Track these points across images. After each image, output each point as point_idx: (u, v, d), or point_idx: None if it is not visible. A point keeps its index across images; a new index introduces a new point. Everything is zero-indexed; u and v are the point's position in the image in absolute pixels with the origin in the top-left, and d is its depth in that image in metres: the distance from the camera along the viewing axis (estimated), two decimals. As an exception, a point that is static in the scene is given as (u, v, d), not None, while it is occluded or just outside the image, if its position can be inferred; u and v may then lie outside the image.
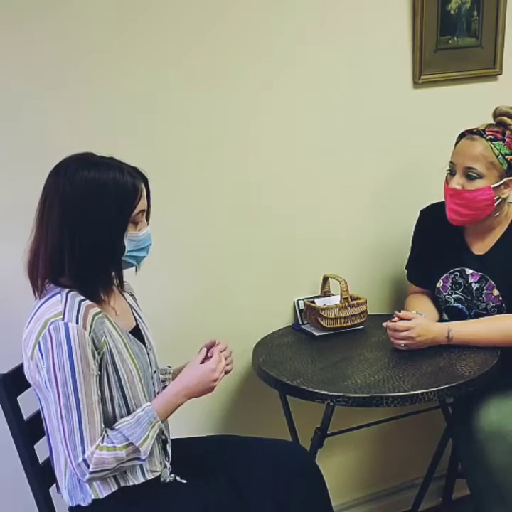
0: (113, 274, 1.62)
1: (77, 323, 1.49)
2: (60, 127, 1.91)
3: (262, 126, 2.15)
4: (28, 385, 1.67)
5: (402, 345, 1.99)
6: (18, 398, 1.68)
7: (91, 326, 1.51)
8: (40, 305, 1.56)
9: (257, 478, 1.71)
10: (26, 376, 1.60)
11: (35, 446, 1.69)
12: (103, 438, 1.53)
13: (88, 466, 1.50)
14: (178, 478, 1.70)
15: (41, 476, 1.69)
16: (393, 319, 2.01)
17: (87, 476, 1.51)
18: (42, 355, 1.49)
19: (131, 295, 1.80)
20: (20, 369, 1.69)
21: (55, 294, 1.55)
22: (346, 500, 2.51)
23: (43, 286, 1.58)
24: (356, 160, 2.30)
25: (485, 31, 2.36)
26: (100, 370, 1.54)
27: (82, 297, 1.56)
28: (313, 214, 2.28)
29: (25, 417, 1.69)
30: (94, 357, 1.51)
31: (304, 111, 2.20)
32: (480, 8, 2.33)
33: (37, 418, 1.69)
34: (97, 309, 1.56)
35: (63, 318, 1.49)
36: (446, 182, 2.06)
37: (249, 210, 2.19)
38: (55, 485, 1.71)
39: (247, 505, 1.67)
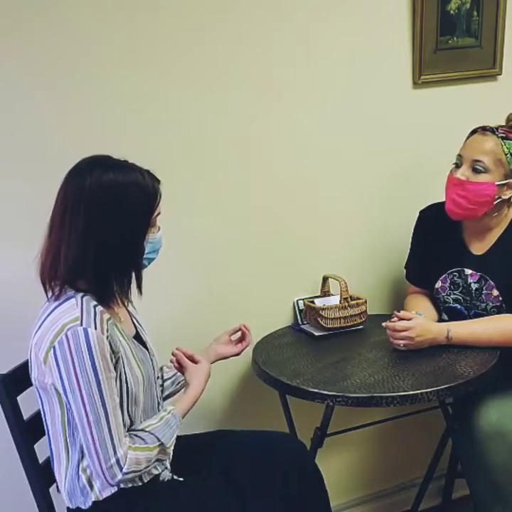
0: (132, 277, 1.62)
1: (95, 328, 1.49)
2: (59, 128, 1.91)
3: (262, 126, 2.15)
4: (28, 385, 1.67)
5: (402, 345, 2.00)
6: (18, 398, 1.67)
7: (107, 331, 1.52)
8: (53, 309, 1.55)
9: (253, 472, 1.71)
10: (32, 379, 1.59)
11: (35, 446, 1.69)
12: (130, 439, 1.55)
13: (121, 468, 1.51)
14: (174, 477, 1.71)
15: (41, 476, 1.69)
16: (393, 319, 2.01)
17: (119, 477, 1.52)
18: (57, 360, 1.49)
19: (130, 301, 1.78)
20: (20, 369, 1.69)
21: (69, 298, 1.55)
22: (346, 500, 2.51)
23: (63, 289, 1.56)
24: (356, 160, 2.30)
25: (485, 31, 2.36)
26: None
27: (95, 302, 1.56)
28: (313, 214, 2.28)
29: (25, 417, 1.69)
30: (111, 360, 1.52)
31: (304, 111, 2.20)
32: (480, 8, 2.33)
33: (37, 418, 1.69)
34: (107, 315, 1.56)
35: (81, 324, 1.49)
36: (451, 174, 2.06)
37: (249, 210, 2.19)
38: (55, 485, 1.71)
39: (244, 501, 1.67)
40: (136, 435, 1.57)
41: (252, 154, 2.16)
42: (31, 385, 1.65)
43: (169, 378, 1.90)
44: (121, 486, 1.58)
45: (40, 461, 1.71)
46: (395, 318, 2.01)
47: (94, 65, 1.92)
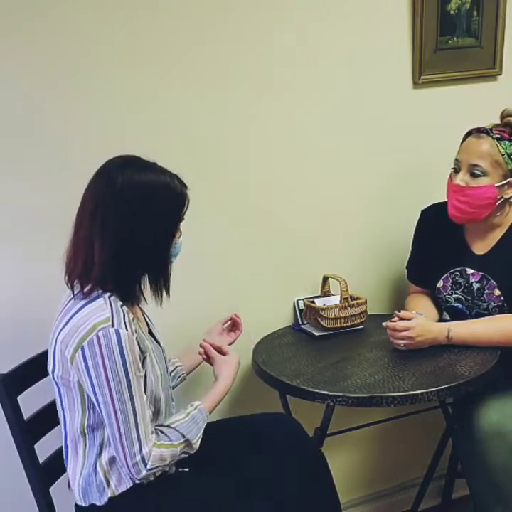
0: (161, 279, 1.62)
1: (126, 329, 1.50)
2: (59, 129, 1.91)
3: (262, 126, 2.15)
4: (28, 385, 1.67)
5: (402, 345, 2.00)
6: (18, 398, 1.67)
7: (135, 331, 1.53)
8: (82, 307, 1.54)
9: (255, 458, 1.72)
10: (55, 375, 1.59)
11: (35, 446, 1.69)
12: (155, 436, 1.56)
13: (145, 464, 1.53)
14: (179, 469, 1.71)
15: (41, 476, 1.69)
16: (393, 319, 2.01)
17: (144, 473, 1.54)
18: (86, 359, 1.49)
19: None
20: (20, 369, 1.70)
21: (96, 297, 1.54)
22: (346, 500, 2.50)
23: (95, 288, 1.55)
24: (356, 160, 2.30)
25: (485, 31, 2.36)
26: None
27: (121, 302, 1.56)
28: (314, 214, 2.28)
29: (25, 417, 1.69)
30: (140, 359, 1.54)
31: (304, 111, 2.20)
32: (480, 8, 2.33)
33: (37, 418, 1.70)
34: (131, 315, 1.57)
35: (113, 325, 1.49)
36: (450, 179, 2.06)
37: (248, 210, 2.19)
38: (55, 485, 1.72)
39: (249, 488, 1.67)
40: (161, 431, 1.59)
41: (252, 154, 2.16)
42: (31, 384, 1.65)
43: (170, 373, 1.90)
44: (144, 481, 1.59)
45: (40, 461, 1.71)
46: (396, 318, 2.01)
47: (95, 65, 1.91)
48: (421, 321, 2.00)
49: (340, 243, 2.34)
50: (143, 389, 1.54)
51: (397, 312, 2.02)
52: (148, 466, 1.53)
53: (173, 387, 1.90)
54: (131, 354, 1.50)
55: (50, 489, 1.72)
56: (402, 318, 2.00)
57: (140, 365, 1.53)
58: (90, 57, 1.91)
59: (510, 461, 1.93)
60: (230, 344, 1.99)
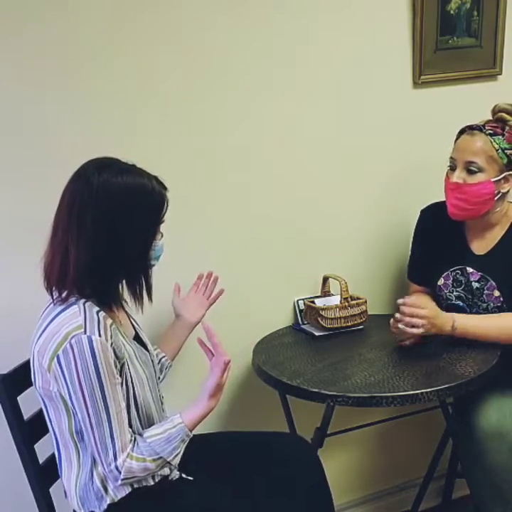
0: (142, 282, 1.61)
1: (99, 335, 1.48)
2: (62, 131, 1.91)
3: (262, 126, 2.15)
4: (28, 385, 1.67)
5: (420, 325, 1.92)
6: (18, 398, 1.67)
7: (111, 337, 1.51)
8: (56, 315, 1.53)
9: (261, 472, 1.72)
10: (37, 386, 1.58)
11: (35, 446, 1.69)
12: (133, 445, 1.54)
13: (119, 473, 1.53)
14: (183, 475, 1.70)
15: (41, 476, 1.69)
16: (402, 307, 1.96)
17: (119, 482, 1.54)
18: (62, 368, 1.48)
19: (125, 301, 1.76)
20: (20, 369, 1.70)
21: (71, 304, 1.53)
22: (346, 500, 2.51)
23: (70, 293, 1.54)
24: (356, 160, 2.30)
25: (485, 31, 2.36)
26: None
27: (98, 308, 1.54)
28: (314, 214, 2.28)
29: (25, 417, 1.69)
30: (116, 366, 1.52)
31: (304, 111, 2.20)
32: (480, 8, 2.33)
33: (37, 418, 1.70)
34: (110, 320, 1.55)
35: (85, 331, 1.48)
36: (447, 177, 2.07)
37: (249, 210, 2.19)
38: (54, 485, 1.72)
39: (255, 501, 1.67)
40: (138, 443, 1.56)
41: (253, 154, 2.16)
42: (31, 384, 1.65)
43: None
44: (135, 486, 1.59)
45: (40, 461, 1.70)
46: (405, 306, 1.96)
47: (96, 68, 1.91)
48: (431, 305, 2.00)
49: (340, 243, 2.34)
50: (120, 396, 1.52)
51: (405, 299, 1.96)
52: (121, 476, 1.53)
53: (162, 379, 1.89)
54: (104, 360, 1.48)
55: (50, 489, 1.71)
56: (411, 306, 1.96)
57: (115, 371, 1.51)
58: (91, 60, 1.90)
59: (510, 461, 1.94)
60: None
